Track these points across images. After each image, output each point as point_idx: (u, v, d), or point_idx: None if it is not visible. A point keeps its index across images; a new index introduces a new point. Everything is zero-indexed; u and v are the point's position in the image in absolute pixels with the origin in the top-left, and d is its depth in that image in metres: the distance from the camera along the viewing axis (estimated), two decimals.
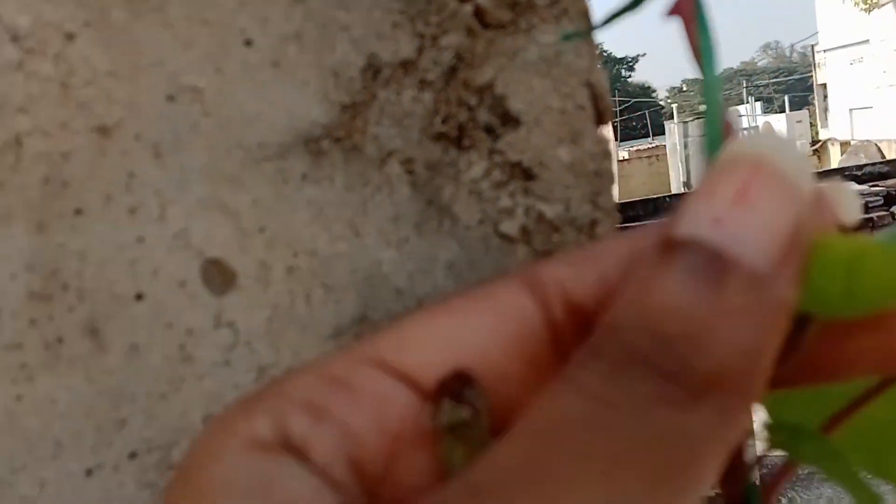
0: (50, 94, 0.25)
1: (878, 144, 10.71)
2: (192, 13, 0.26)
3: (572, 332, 0.16)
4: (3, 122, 0.25)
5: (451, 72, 0.26)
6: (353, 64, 0.26)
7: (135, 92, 0.26)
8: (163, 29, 0.25)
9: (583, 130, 0.27)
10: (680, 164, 10.51)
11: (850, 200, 0.16)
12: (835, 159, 12.04)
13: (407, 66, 0.26)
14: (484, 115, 0.27)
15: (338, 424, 0.15)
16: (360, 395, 0.15)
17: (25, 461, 0.25)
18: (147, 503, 0.26)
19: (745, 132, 0.15)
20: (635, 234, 0.17)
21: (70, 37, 0.25)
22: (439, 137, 0.27)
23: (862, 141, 11.45)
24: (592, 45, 0.27)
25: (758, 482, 0.18)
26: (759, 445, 0.19)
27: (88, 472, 0.25)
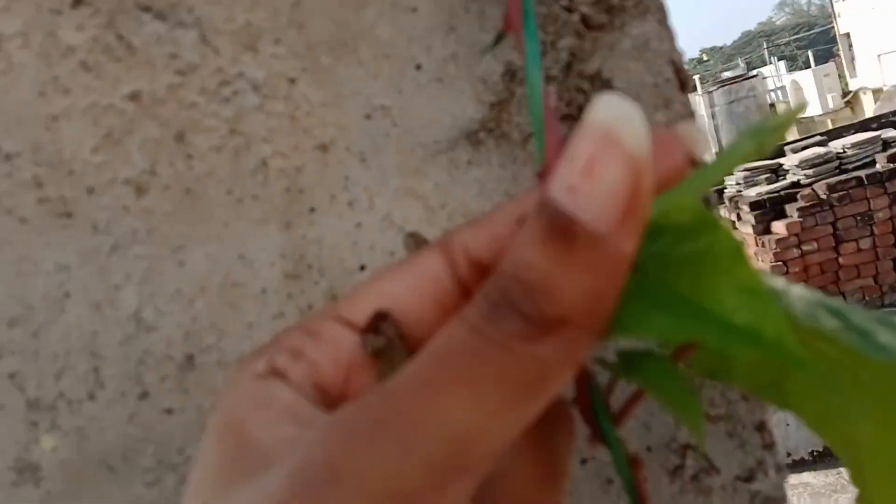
0: (283, 126, 0.35)
1: None
2: (377, 52, 0.35)
3: (474, 279, 0.21)
4: (252, 151, 0.35)
5: (568, 66, 0.35)
6: (495, 71, 0.35)
7: (342, 115, 0.35)
8: (357, 66, 0.35)
9: (672, 97, 0.35)
10: (710, 135, 10.38)
11: (698, 138, 0.20)
12: (869, 108, 11.75)
13: None
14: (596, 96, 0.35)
15: (307, 361, 0.20)
16: (323, 341, 0.21)
17: None
18: None
19: (605, 95, 0.17)
20: (525, 196, 0.22)
21: (293, 81, 0.35)
22: (565, 118, 0.35)
23: (895, 85, 11.17)
24: (671, 32, 0.35)
25: (609, 404, 0.21)
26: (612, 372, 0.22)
27: None
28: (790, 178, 5.76)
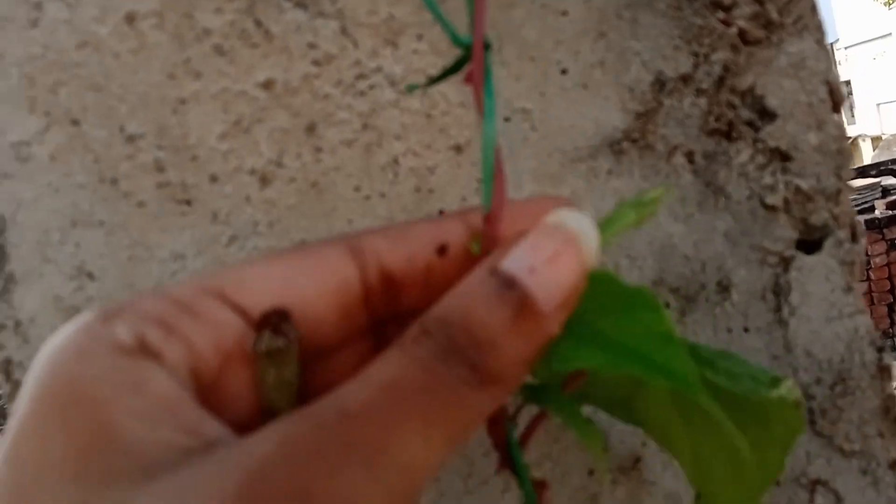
0: (418, 123, 0.33)
1: None
2: (522, 53, 0.33)
3: (380, 292, 0.21)
4: (384, 147, 0.33)
5: (720, 81, 0.34)
6: (643, 80, 0.34)
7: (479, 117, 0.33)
8: (501, 67, 0.33)
9: (825, 118, 0.34)
10: None
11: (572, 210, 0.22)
12: (867, 155, 11.89)
13: (686, 78, 0.34)
14: (747, 113, 0.34)
15: (184, 340, 0.18)
16: (203, 319, 0.18)
17: None
18: None
19: (565, 209, 0.20)
20: (442, 222, 0.22)
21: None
22: (713, 132, 0.34)
23: (894, 134, 11.31)
24: (828, 51, 0.34)
25: (515, 429, 0.24)
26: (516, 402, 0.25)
27: None
28: None
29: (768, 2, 0.33)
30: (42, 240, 0.33)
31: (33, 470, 0.16)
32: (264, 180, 0.33)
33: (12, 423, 0.17)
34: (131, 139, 0.32)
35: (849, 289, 0.35)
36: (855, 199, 5.81)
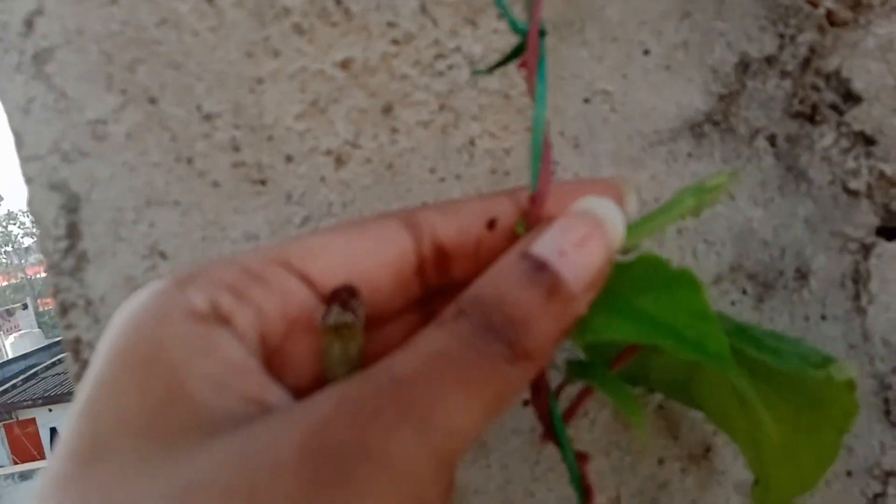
0: (495, 104, 0.33)
1: None
2: (605, 34, 0.33)
3: (432, 263, 0.22)
4: (461, 129, 0.33)
5: (806, 62, 0.33)
6: (727, 61, 0.33)
7: (559, 97, 0.33)
8: (582, 47, 0.33)
9: None
10: None
11: (630, 190, 0.23)
12: None
13: (770, 60, 0.33)
14: (831, 95, 0.33)
15: (254, 306, 0.19)
16: (271, 287, 0.19)
17: None
18: None
19: (594, 196, 0.21)
20: (491, 198, 0.23)
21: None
22: (796, 115, 0.33)
23: None
24: None
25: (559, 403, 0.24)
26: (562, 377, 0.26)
27: None
28: None
29: None
30: (116, 218, 0.33)
31: (107, 424, 0.17)
32: (339, 161, 0.33)
33: (88, 379, 0.18)
34: (208, 118, 0.32)
35: None
36: None
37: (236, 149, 0.32)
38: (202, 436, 0.16)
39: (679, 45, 0.33)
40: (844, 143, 0.33)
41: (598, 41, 0.33)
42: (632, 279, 0.21)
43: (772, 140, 0.33)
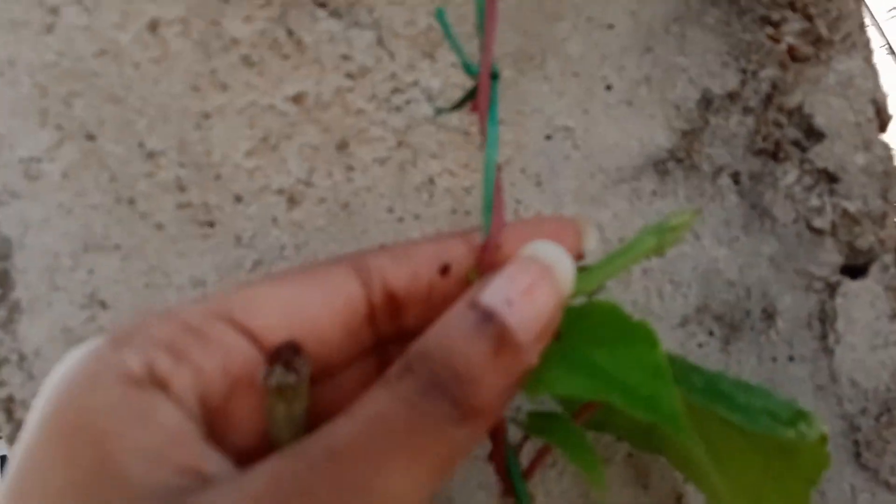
0: (455, 141, 0.32)
1: None
2: (566, 68, 0.32)
3: (384, 311, 0.21)
4: (419, 167, 0.32)
5: (768, 98, 0.32)
6: (690, 98, 0.32)
7: (520, 133, 0.32)
8: (543, 82, 0.32)
9: (872, 139, 0.33)
10: None
11: (589, 230, 0.23)
12: None
13: (733, 96, 0.32)
14: (794, 132, 0.33)
15: (193, 366, 0.18)
16: (212, 344, 0.18)
17: None
18: None
19: (541, 241, 0.20)
20: (445, 240, 0.22)
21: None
22: (760, 152, 0.33)
23: None
24: (875, 70, 0.33)
25: (520, 460, 0.24)
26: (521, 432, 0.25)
27: None
28: None
29: (818, 17, 0.32)
30: (51, 265, 0.30)
31: (34, 501, 0.16)
32: (292, 201, 0.31)
33: (17, 449, 0.17)
34: (151, 156, 0.30)
35: (894, 315, 0.34)
36: None
37: (181, 188, 0.30)
38: None
39: (641, 81, 0.32)
40: (808, 180, 0.33)
41: (559, 76, 0.32)
42: (588, 329, 0.21)
43: (735, 177, 0.33)
